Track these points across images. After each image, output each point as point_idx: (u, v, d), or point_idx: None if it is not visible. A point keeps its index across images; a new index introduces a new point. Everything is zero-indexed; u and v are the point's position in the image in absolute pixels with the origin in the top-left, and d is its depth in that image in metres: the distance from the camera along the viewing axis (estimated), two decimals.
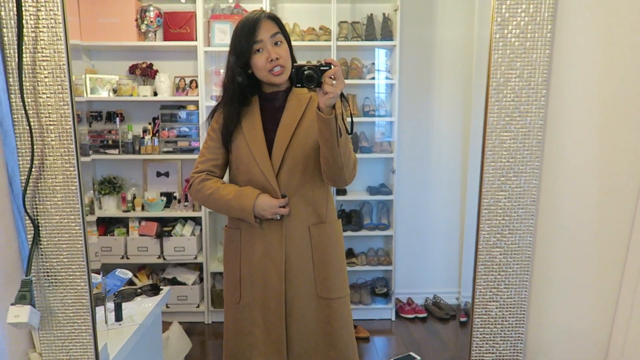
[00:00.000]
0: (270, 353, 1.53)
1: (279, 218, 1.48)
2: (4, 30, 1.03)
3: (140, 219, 3.16)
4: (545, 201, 1.17)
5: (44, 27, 1.04)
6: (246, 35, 1.40)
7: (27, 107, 1.06)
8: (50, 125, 1.08)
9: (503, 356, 1.20)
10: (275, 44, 1.43)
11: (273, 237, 1.50)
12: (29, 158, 1.07)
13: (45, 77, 1.06)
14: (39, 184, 1.10)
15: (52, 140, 1.08)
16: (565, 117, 1.14)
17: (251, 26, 1.40)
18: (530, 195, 1.14)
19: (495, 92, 1.10)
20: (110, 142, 3.10)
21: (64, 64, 1.05)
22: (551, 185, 1.16)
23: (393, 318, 3.26)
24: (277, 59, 1.42)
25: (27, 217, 1.10)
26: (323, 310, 1.54)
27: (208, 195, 1.51)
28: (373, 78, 3.20)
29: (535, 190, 1.14)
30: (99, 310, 1.53)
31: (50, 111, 1.07)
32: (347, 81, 3.07)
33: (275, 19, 1.45)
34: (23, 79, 1.05)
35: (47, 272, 1.13)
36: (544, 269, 1.20)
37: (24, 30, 1.03)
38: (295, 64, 1.29)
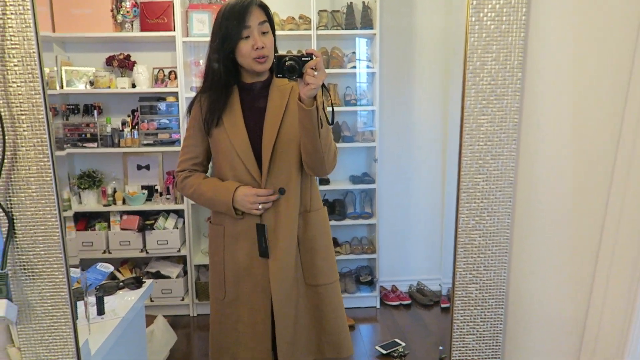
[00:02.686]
0: (256, 347, 1.53)
1: (259, 210, 1.45)
2: None
3: (122, 213, 3.12)
4: (522, 183, 1.18)
5: (12, 13, 1.01)
6: (235, 19, 1.38)
7: None
8: (22, 115, 1.05)
9: (483, 337, 1.22)
10: (262, 33, 1.42)
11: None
12: (0, 149, 1.05)
13: (15, 65, 1.03)
14: (13, 176, 1.07)
15: (24, 131, 1.06)
16: (541, 99, 1.15)
17: (241, 11, 1.38)
18: (507, 177, 1.15)
19: (472, 76, 1.11)
20: (88, 135, 3.05)
21: (34, 52, 1.03)
22: (528, 167, 1.18)
23: (378, 306, 3.30)
24: (262, 47, 1.41)
25: (0, 210, 1.08)
26: (312, 297, 1.55)
27: (191, 194, 1.53)
28: (354, 67, 3.20)
29: (513, 172, 1.15)
30: (80, 305, 1.51)
31: (21, 100, 1.05)
32: (327, 70, 3.05)
33: (264, 8, 1.44)
34: None
35: (24, 266, 1.11)
36: (522, 251, 1.22)
37: None
38: (276, 55, 1.28)
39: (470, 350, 1.22)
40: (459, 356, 1.22)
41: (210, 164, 1.61)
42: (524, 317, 1.24)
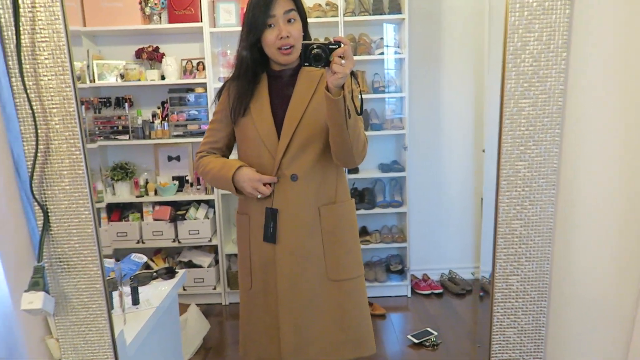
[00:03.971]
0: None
1: (258, 196, 1.44)
2: (0, 11, 1.01)
3: (154, 204, 3.17)
4: (566, 170, 1.12)
5: (40, 6, 1.01)
6: (261, 8, 1.36)
7: (28, 91, 1.03)
8: (54, 108, 1.05)
9: (525, 330, 1.17)
10: (289, 21, 1.39)
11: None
12: (33, 143, 1.05)
13: (46, 58, 1.03)
14: (46, 169, 1.08)
15: (56, 124, 1.06)
16: (586, 80, 1.08)
17: (267, 0, 1.36)
18: (551, 164, 1.09)
19: (513, 57, 1.05)
20: (120, 127, 3.10)
21: (63, 45, 1.02)
22: (573, 153, 1.11)
23: (409, 295, 3.26)
24: (287, 37, 1.38)
25: (35, 203, 1.09)
26: (333, 292, 1.50)
27: (202, 172, 1.53)
28: (382, 53, 3.13)
29: (556, 158, 1.09)
30: (115, 296, 1.53)
31: (52, 94, 1.05)
32: (355, 57, 2.99)
33: None
34: (22, 61, 1.02)
35: (59, 258, 1.12)
36: (566, 241, 1.15)
37: (20, 10, 1.00)
38: (303, 42, 1.25)
39: (511, 344, 1.18)
40: (499, 350, 1.18)
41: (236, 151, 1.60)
42: (568, 309, 1.19)
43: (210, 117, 3.09)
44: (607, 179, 1.12)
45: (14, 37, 1.01)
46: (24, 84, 1.03)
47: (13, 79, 1.04)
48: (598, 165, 1.12)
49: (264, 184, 1.43)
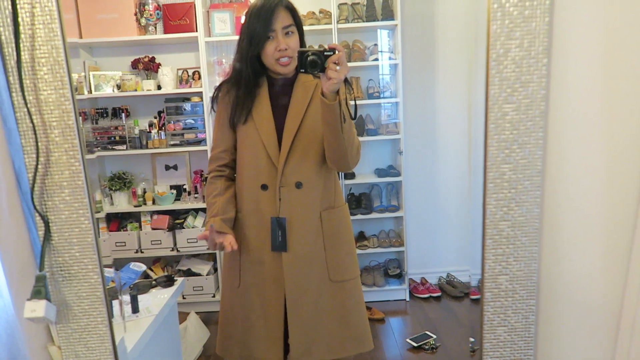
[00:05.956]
0: (268, 337, 1.54)
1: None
2: (1, 29, 1.04)
3: (152, 213, 3.19)
4: (551, 171, 1.15)
5: (40, 23, 1.04)
6: (262, 22, 1.40)
7: (28, 105, 1.07)
8: (53, 121, 1.09)
9: (515, 329, 1.20)
10: (287, 34, 1.43)
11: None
12: (34, 155, 1.09)
13: (45, 73, 1.07)
14: (46, 181, 1.11)
15: (56, 137, 1.10)
16: (568, 85, 1.12)
17: (267, 14, 1.40)
18: (535, 166, 1.13)
19: (496, 64, 1.08)
20: (117, 138, 3.13)
21: (62, 60, 1.06)
22: (557, 155, 1.15)
23: (407, 298, 3.28)
24: (285, 49, 1.42)
25: (36, 214, 1.12)
26: (336, 293, 1.56)
27: (208, 204, 1.60)
28: (376, 59, 3.18)
29: (541, 161, 1.12)
30: (115, 304, 1.56)
31: (52, 108, 1.08)
32: (349, 64, 3.05)
33: (291, 10, 1.45)
34: (23, 76, 1.06)
35: (60, 267, 1.15)
36: (553, 240, 1.19)
37: (20, 27, 1.04)
38: (299, 50, 1.29)
39: (502, 342, 1.21)
40: (491, 348, 1.21)
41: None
42: (556, 307, 1.22)
43: (207, 125, 3.12)
44: (591, 180, 1.16)
45: (15, 53, 1.05)
46: (24, 99, 1.06)
47: (14, 94, 1.07)
48: (582, 166, 1.16)
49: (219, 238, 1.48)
